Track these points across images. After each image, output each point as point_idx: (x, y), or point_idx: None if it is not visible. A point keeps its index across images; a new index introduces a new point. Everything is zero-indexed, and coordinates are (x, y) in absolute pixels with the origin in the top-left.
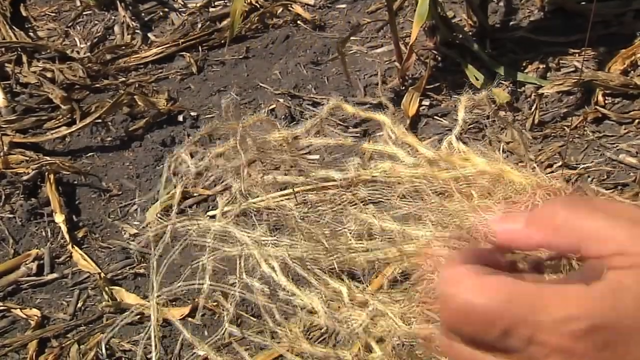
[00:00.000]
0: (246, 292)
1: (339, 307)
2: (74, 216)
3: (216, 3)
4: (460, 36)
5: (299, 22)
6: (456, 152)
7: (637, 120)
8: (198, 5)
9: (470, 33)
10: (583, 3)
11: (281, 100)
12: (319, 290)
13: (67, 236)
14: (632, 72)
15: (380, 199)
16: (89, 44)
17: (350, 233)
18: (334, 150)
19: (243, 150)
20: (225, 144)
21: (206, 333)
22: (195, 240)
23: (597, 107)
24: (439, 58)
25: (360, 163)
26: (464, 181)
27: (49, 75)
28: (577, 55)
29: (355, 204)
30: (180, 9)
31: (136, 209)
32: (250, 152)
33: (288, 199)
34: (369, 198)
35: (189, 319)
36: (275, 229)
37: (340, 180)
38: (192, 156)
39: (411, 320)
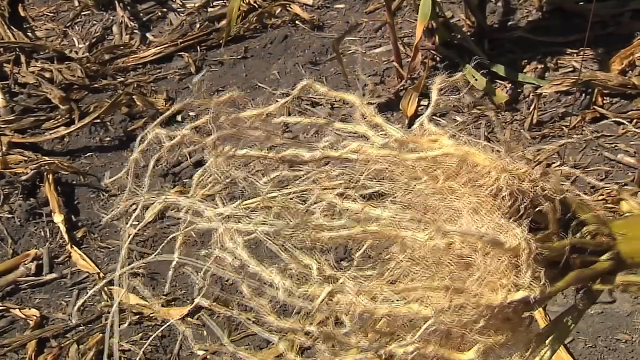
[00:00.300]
0: (216, 266)
1: (307, 283)
2: (73, 216)
3: (215, 3)
4: (459, 37)
5: (297, 22)
6: (427, 133)
7: (635, 120)
8: (197, 5)
9: (469, 33)
10: (581, 3)
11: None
12: (288, 265)
13: (66, 236)
14: (630, 72)
15: (350, 179)
16: (87, 44)
17: (318, 210)
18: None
19: (217, 126)
20: (199, 120)
21: (205, 333)
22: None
23: (596, 107)
24: (438, 59)
25: (331, 142)
26: (431, 163)
27: (47, 75)
28: (575, 55)
29: (325, 183)
30: (179, 10)
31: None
32: (224, 129)
33: (259, 176)
34: (340, 177)
35: (188, 319)
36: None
37: (309, 160)
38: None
39: (376, 297)
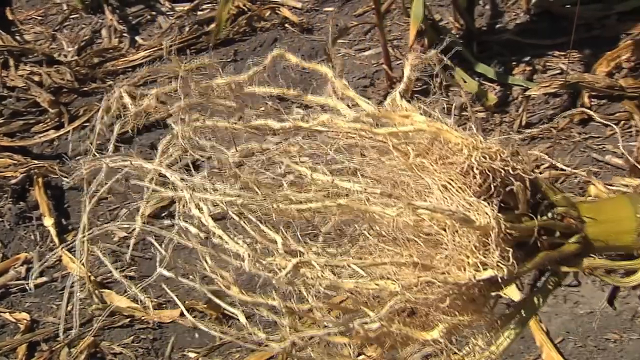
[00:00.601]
0: (180, 236)
1: (271, 256)
2: (62, 219)
3: (204, 6)
4: (448, 39)
5: (286, 25)
6: (399, 109)
7: (622, 122)
8: (185, 8)
9: (458, 36)
10: (568, 6)
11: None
12: (253, 237)
13: (56, 239)
14: (616, 74)
15: (319, 151)
16: (76, 47)
17: (286, 183)
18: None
19: (185, 93)
20: (167, 86)
21: (197, 336)
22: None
23: (583, 109)
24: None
25: (302, 114)
26: (402, 138)
27: (36, 78)
28: (562, 57)
29: (294, 155)
30: (167, 13)
31: (125, 212)
32: (193, 96)
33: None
34: (308, 150)
35: (180, 321)
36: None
37: (279, 129)
38: (133, 98)
39: (340, 272)
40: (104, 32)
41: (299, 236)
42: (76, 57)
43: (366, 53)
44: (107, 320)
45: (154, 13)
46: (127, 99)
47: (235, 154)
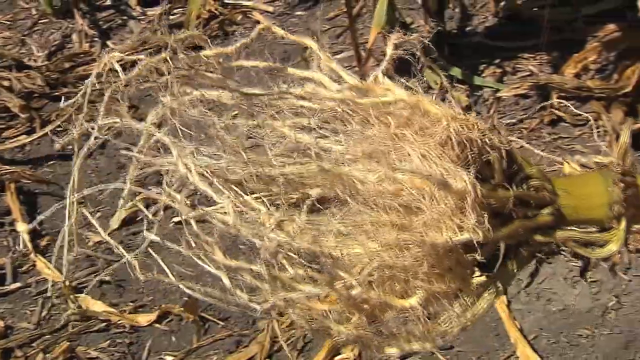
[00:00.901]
0: (171, 202)
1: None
2: (36, 225)
3: (175, 10)
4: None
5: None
6: (381, 84)
7: (590, 122)
8: (157, 12)
9: (429, 39)
10: (536, 9)
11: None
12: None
13: (29, 245)
14: (584, 75)
15: (303, 121)
16: (46, 52)
17: (270, 148)
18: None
19: (173, 64)
20: (156, 56)
21: (173, 339)
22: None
23: (553, 110)
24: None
25: (286, 86)
26: (383, 109)
27: (5, 83)
28: (531, 59)
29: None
30: (139, 17)
31: (100, 217)
32: (181, 68)
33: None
34: (292, 120)
35: (156, 325)
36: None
37: (264, 95)
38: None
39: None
40: (74, 36)
41: (283, 202)
42: (47, 62)
43: (339, 56)
44: (82, 324)
45: (125, 17)
46: (117, 66)
47: (221, 120)
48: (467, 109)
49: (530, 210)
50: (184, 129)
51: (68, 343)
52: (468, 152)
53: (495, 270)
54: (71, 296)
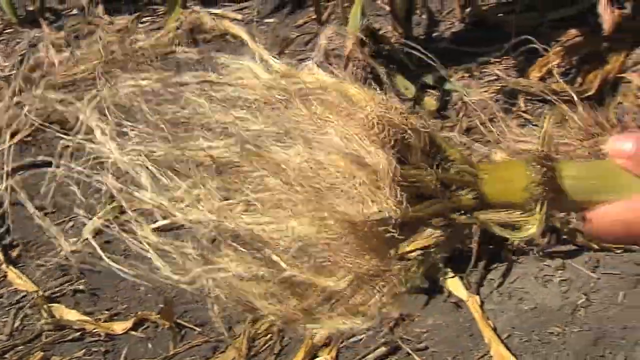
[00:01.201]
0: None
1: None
2: (7, 235)
3: (144, 19)
4: (388, 47)
5: (227, 36)
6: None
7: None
8: (125, 21)
9: (397, 45)
10: (501, 15)
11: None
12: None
13: (0, 255)
14: (548, 78)
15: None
16: (13, 61)
17: (201, 131)
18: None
19: (105, 49)
20: (90, 40)
21: (150, 346)
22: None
23: (520, 112)
24: (368, 69)
25: (216, 74)
26: (310, 94)
27: None
28: (498, 64)
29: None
30: (106, 25)
31: (72, 226)
32: (116, 53)
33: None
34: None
35: (132, 332)
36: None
37: (192, 78)
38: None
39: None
40: (41, 46)
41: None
42: (14, 72)
43: (308, 63)
44: (56, 334)
45: (92, 26)
46: (53, 53)
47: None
48: (437, 112)
49: (453, 193)
50: (116, 113)
51: (42, 353)
52: (389, 134)
53: (422, 253)
54: (45, 306)
